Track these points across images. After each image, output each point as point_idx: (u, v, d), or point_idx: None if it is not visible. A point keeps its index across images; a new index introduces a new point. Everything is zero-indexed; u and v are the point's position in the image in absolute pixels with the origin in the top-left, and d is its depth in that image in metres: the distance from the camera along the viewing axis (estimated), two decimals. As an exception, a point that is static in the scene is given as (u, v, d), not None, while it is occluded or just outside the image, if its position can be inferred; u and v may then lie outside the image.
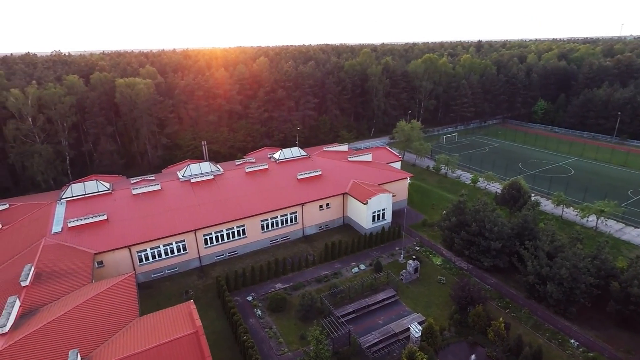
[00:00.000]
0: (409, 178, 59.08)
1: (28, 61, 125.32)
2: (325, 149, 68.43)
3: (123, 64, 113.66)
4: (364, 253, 48.22)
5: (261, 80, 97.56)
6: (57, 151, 72.54)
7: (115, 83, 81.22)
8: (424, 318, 35.41)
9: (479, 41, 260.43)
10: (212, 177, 53.73)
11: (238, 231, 47.95)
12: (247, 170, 55.79)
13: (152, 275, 43.64)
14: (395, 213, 55.11)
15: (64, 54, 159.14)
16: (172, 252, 44.31)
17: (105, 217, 43.49)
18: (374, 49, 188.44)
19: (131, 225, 43.49)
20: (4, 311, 26.39)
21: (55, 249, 37.82)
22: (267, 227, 49.94)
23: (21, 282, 30.95)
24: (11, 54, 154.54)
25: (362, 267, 45.20)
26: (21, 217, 44.04)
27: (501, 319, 30.82)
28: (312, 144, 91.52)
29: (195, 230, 44.64)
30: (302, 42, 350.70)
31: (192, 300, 29.37)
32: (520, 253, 40.42)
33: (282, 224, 50.86)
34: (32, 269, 32.88)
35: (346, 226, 55.64)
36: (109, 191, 49.42)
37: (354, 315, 36.77)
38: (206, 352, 24.15)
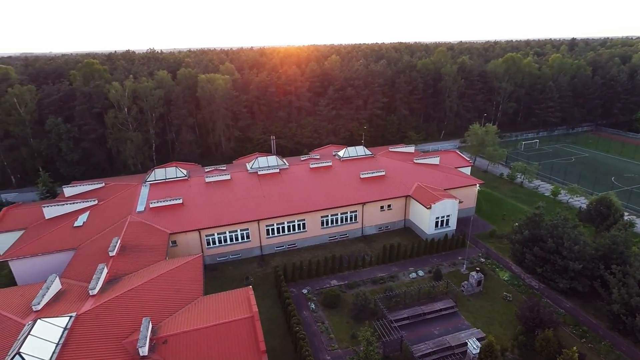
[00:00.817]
0: (478, 185, 55.68)
1: (128, 58, 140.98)
2: (390, 149, 67.20)
3: (205, 61, 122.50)
4: (424, 259, 46.62)
5: (331, 78, 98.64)
6: (146, 139, 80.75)
7: (197, 78, 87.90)
8: (484, 335, 33.25)
9: (573, 39, 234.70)
10: (277, 170, 55.77)
11: (299, 225, 49.24)
12: (312, 166, 56.91)
13: (218, 259, 46.73)
14: (460, 220, 52.35)
15: (157, 52, 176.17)
16: (237, 239, 46.97)
17: (181, 201, 47.49)
18: (450, 47, 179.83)
19: (202, 210, 46.94)
20: (94, 276, 30.28)
21: (138, 226, 42.29)
22: (327, 224, 50.55)
23: (109, 252, 35.21)
24: (115, 51, 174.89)
25: (421, 273, 43.77)
26: (113, 195, 49.90)
27: (574, 348, 27.75)
28: (378, 143, 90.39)
29: (258, 220, 46.79)
30: (375, 41, 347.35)
31: (250, 287, 30.90)
32: (605, 278, 35.91)
33: (342, 221, 51.13)
34: (119, 241, 37.22)
35: (407, 229, 54.19)
36: (186, 177, 53.82)
37: (407, 321, 35.79)
38: (260, 337, 25.30)
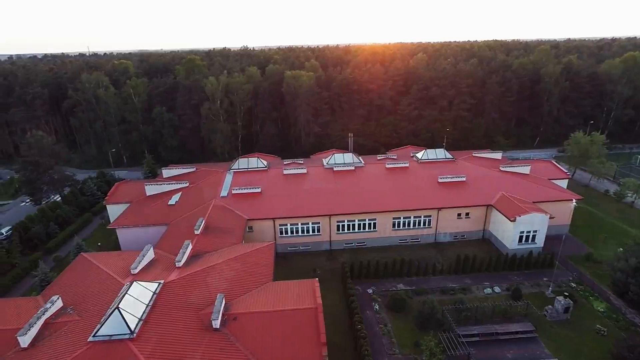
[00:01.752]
0: (575, 200, 49.45)
1: (224, 54, 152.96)
2: (474, 154, 63.10)
3: (292, 57, 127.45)
4: (502, 275, 43.06)
5: (416, 77, 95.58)
6: (233, 130, 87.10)
7: (284, 75, 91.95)
8: (568, 368, 29.67)
9: None
10: (353, 168, 56.00)
11: (369, 224, 48.93)
12: (388, 166, 56.04)
13: (288, 249, 48.69)
14: (550, 238, 47.03)
15: (250, 49, 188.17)
16: (308, 231, 48.37)
17: (259, 190, 50.39)
18: (554, 45, 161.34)
19: (278, 200, 49.23)
20: (181, 250, 33.75)
21: (221, 210, 45.97)
22: (399, 226, 49.43)
23: (195, 231, 38.90)
24: (213, 48, 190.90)
25: (497, 289, 40.53)
26: (202, 179, 54.90)
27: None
28: (461, 147, 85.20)
29: (330, 216, 47.58)
30: (467, 38, 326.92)
31: (317, 279, 31.65)
32: None
33: (414, 225, 49.56)
34: (203, 222, 40.89)
35: (485, 241, 50.51)
36: (266, 168, 56.87)
37: (477, 339, 33.47)
38: (321, 328, 25.84)
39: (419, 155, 59.63)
